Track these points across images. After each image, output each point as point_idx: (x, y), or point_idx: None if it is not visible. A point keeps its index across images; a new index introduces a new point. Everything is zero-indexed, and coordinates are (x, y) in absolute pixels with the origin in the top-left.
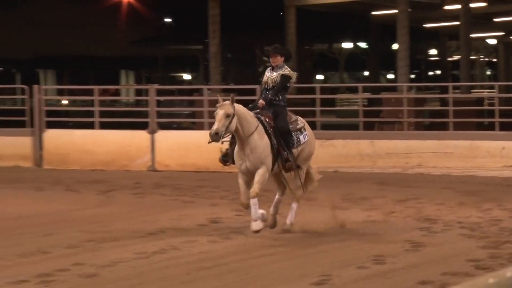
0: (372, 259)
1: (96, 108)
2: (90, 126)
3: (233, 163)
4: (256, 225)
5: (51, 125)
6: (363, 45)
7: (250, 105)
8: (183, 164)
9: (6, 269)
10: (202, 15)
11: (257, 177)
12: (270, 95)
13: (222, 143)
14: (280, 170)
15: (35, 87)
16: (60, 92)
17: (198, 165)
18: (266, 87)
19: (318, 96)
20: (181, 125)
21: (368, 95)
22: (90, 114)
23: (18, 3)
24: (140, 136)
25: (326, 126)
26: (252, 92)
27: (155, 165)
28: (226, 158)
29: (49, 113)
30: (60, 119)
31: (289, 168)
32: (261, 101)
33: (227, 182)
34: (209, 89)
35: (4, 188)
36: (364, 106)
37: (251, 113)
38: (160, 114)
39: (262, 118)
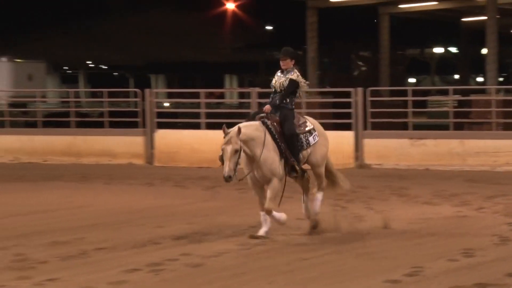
0: (461, 252)
1: (202, 110)
2: (196, 126)
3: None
4: (281, 216)
5: (161, 126)
6: (453, 49)
7: (252, 112)
8: None
9: (120, 258)
10: (300, 23)
11: (269, 193)
12: (277, 100)
13: (240, 180)
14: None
15: (147, 90)
16: (170, 95)
17: None
18: (274, 90)
19: (410, 98)
20: None
21: (458, 97)
22: (196, 115)
23: (133, 13)
24: None
25: (418, 127)
26: (347, 94)
27: None
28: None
29: (159, 115)
30: (169, 120)
31: (292, 176)
32: (267, 107)
33: None
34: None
35: (118, 184)
36: (454, 107)
37: (256, 125)
38: None
39: (269, 122)
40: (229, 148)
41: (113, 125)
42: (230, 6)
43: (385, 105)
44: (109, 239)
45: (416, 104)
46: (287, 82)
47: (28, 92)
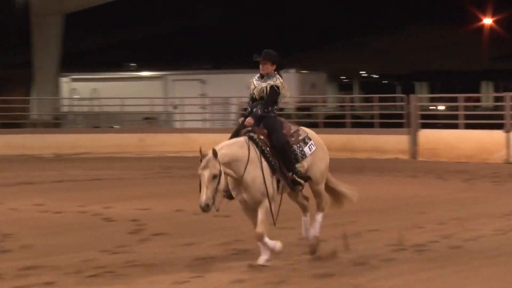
0: None
1: (461, 112)
2: (455, 126)
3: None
4: (277, 245)
5: (424, 126)
6: None
7: (234, 129)
8: None
9: (388, 239)
10: None
11: (260, 215)
12: (259, 111)
13: (218, 210)
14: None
15: (412, 96)
16: (432, 100)
17: None
18: (253, 98)
19: None
20: None
21: None
22: (455, 117)
23: (400, 28)
24: (497, 135)
25: None
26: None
27: (510, 159)
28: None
29: (423, 117)
30: (432, 121)
31: (298, 189)
32: (248, 120)
33: None
34: None
35: (387, 176)
36: None
37: (240, 143)
38: None
39: (256, 136)
40: (206, 173)
41: (383, 125)
42: (487, 21)
43: None
44: (379, 222)
45: None
46: (268, 88)
47: (311, 98)
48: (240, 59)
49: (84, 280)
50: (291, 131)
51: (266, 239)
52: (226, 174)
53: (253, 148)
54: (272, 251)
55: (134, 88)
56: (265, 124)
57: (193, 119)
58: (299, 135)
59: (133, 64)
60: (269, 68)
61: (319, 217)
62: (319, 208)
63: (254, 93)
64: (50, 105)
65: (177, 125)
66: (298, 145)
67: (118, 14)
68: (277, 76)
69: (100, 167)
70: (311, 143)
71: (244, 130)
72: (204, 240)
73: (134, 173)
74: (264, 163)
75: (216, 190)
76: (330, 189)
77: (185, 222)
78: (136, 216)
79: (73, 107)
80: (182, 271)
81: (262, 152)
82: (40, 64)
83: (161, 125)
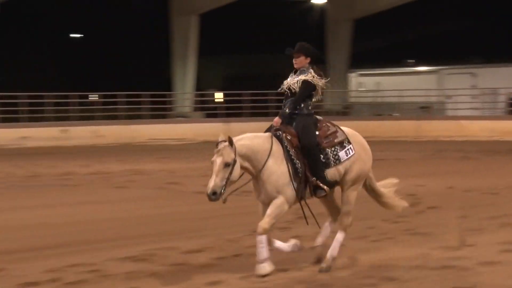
0: None
1: None
2: None
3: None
4: (262, 268)
5: None
6: None
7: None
8: None
9: None
10: None
11: (270, 209)
12: (287, 109)
13: (225, 202)
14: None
15: None
16: None
17: None
18: (286, 95)
19: None
20: None
21: None
22: None
23: None
24: None
25: None
26: None
27: None
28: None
29: None
30: None
31: (321, 196)
32: (276, 120)
33: None
34: None
35: None
36: None
37: (264, 137)
38: None
39: (283, 135)
40: (218, 160)
41: None
42: None
43: None
44: None
45: None
46: (299, 83)
47: None
48: (510, 53)
49: (368, 245)
50: (328, 132)
51: (263, 243)
52: (244, 168)
53: (277, 144)
54: (265, 259)
55: (411, 81)
56: (297, 123)
57: (464, 108)
58: (336, 137)
59: (411, 61)
60: (303, 61)
61: (340, 236)
62: (341, 226)
63: (285, 89)
64: (340, 97)
65: (450, 113)
66: (333, 148)
67: (402, 15)
68: (311, 70)
69: (381, 149)
70: (350, 147)
71: (273, 130)
72: (474, 214)
73: (411, 154)
74: (286, 162)
75: (227, 179)
76: (373, 192)
77: (457, 198)
78: (413, 191)
79: (360, 98)
80: (453, 239)
81: (287, 152)
82: (333, 62)
83: (436, 113)
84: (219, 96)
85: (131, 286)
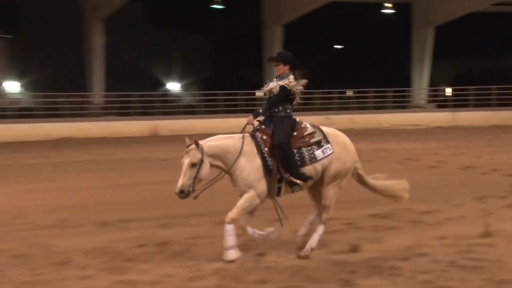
0: None
1: None
2: None
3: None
4: (229, 254)
5: None
6: None
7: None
8: None
9: None
10: None
11: (240, 201)
12: (261, 110)
13: (195, 198)
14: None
15: None
16: None
17: None
18: (268, 98)
19: None
20: None
21: None
22: None
23: None
24: None
25: None
26: None
27: None
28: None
29: None
30: None
31: (297, 191)
32: (249, 119)
33: None
34: None
35: None
36: None
37: (237, 137)
38: None
39: (259, 135)
40: (186, 161)
41: None
42: None
43: None
44: None
45: None
46: (277, 89)
47: None
48: None
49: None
50: (305, 133)
51: (231, 231)
52: (215, 166)
53: (249, 143)
54: (232, 246)
55: None
56: (273, 124)
57: None
58: (313, 137)
59: None
60: (282, 69)
61: (320, 229)
62: (321, 219)
63: (267, 94)
64: None
65: None
66: (309, 148)
67: None
68: (290, 76)
69: None
70: (328, 147)
71: (253, 130)
72: None
73: None
74: (257, 160)
75: (194, 178)
76: (372, 188)
77: None
78: None
79: None
80: None
81: (260, 151)
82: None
83: None
84: (448, 91)
85: (376, 235)
